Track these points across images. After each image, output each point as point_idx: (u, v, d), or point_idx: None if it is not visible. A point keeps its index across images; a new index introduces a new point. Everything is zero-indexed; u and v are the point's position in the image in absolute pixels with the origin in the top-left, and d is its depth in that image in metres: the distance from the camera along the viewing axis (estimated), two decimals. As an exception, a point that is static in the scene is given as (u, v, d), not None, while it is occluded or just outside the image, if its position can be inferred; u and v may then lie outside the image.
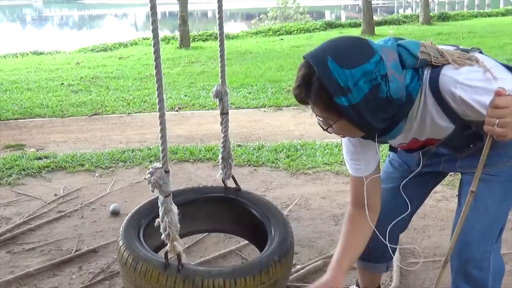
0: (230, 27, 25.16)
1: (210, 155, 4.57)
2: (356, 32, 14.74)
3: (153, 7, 1.58)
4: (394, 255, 2.23)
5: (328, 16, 35.55)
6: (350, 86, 1.45)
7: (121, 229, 1.93)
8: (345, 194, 3.66)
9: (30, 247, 3.02)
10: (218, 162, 2.16)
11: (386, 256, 2.18)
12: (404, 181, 1.94)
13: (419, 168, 1.92)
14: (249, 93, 7.37)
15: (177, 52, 12.54)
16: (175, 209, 1.67)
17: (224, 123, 2.18)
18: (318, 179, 3.97)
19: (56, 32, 32.34)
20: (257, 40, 15.30)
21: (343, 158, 4.24)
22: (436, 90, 1.56)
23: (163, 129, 1.66)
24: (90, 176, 4.20)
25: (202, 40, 15.02)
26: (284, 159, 4.42)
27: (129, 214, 2.03)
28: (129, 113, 6.47)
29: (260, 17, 24.46)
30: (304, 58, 1.54)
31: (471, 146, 1.73)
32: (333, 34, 16.17)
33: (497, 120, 1.38)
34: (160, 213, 1.66)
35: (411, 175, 1.93)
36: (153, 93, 7.50)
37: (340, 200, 3.57)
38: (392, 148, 1.88)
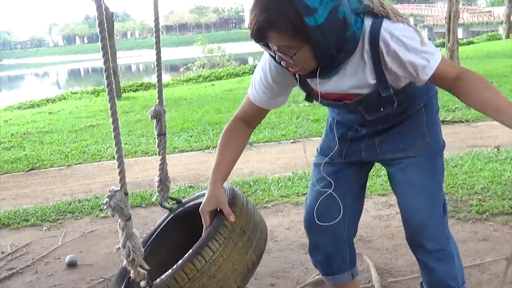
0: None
1: (162, 198, 4.42)
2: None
3: (106, 62, 1.54)
4: (355, 262, 2.26)
5: (252, 62, 36.24)
6: (316, 6, 1.49)
7: None
8: (308, 223, 3.61)
9: (-17, 309, 2.77)
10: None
11: (345, 262, 2.20)
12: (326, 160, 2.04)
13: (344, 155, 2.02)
14: (191, 136, 7.27)
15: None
16: (137, 232, 1.59)
17: (162, 144, 2.13)
18: (279, 211, 3.90)
19: (-27, 95, 31.18)
20: (188, 87, 15.29)
21: (299, 190, 4.29)
22: (375, 40, 1.63)
23: (119, 150, 1.60)
24: (37, 230, 3.95)
25: (133, 91, 14.83)
26: (240, 195, 4.33)
27: None
28: (68, 165, 6.21)
29: (187, 65, 24.58)
30: None
31: (381, 109, 1.81)
32: (263, 76, 16.42)
33: None
34: (122, 239, 1.58)
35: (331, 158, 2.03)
36: (91, 143, 7.27)
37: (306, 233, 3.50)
38: (309, 97, 1.90)
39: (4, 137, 8.29)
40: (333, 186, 2.03)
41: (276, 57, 1.65)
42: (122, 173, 1.59)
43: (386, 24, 1.62)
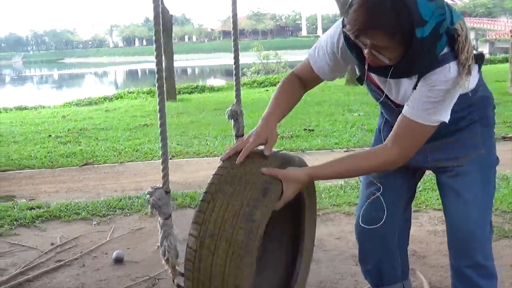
0: (211, 82, 25.37)
1: (211, 200, 4.38)
2: (340, 82, 14.83)
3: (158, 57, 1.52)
4: (408, 275, 2.25)
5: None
6: (427, 19, 1.45)
7: None
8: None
9: (30, 298, 2.79)
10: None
11: (396, 273, 2.15)
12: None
13: None
14: (243, 140, 7.25)
15: (163, 104, 12.44)
16: (175, 232, 1.57)
17: None
18: (329, 220, 3.80)
19: (35, 90, 32.32)
20: (243, 92, 15.29)
21: (351, 199, 4.17)
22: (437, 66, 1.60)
23: (164, 145, 1.59)
24: (87, 224, 3.98)
25: (188, 93, 15.01)
26: (290, 202, 4.25)
27: None
28: (121, 162, 6.29)
29: (243, 71, 24.69)
30: None
31: None
32: (318, 84, 16.29)
33: None
34: (160, 237, 1.56)
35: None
36: (144, 142, 7.36)
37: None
38: (360, 79, 1.85)
39: (61, 132, 8.50)
40: (381, 190, 2.02)
41: (365, 52, 1.57)
42: (165, 170, 1.59)
43: (452, 68, 1.59)
